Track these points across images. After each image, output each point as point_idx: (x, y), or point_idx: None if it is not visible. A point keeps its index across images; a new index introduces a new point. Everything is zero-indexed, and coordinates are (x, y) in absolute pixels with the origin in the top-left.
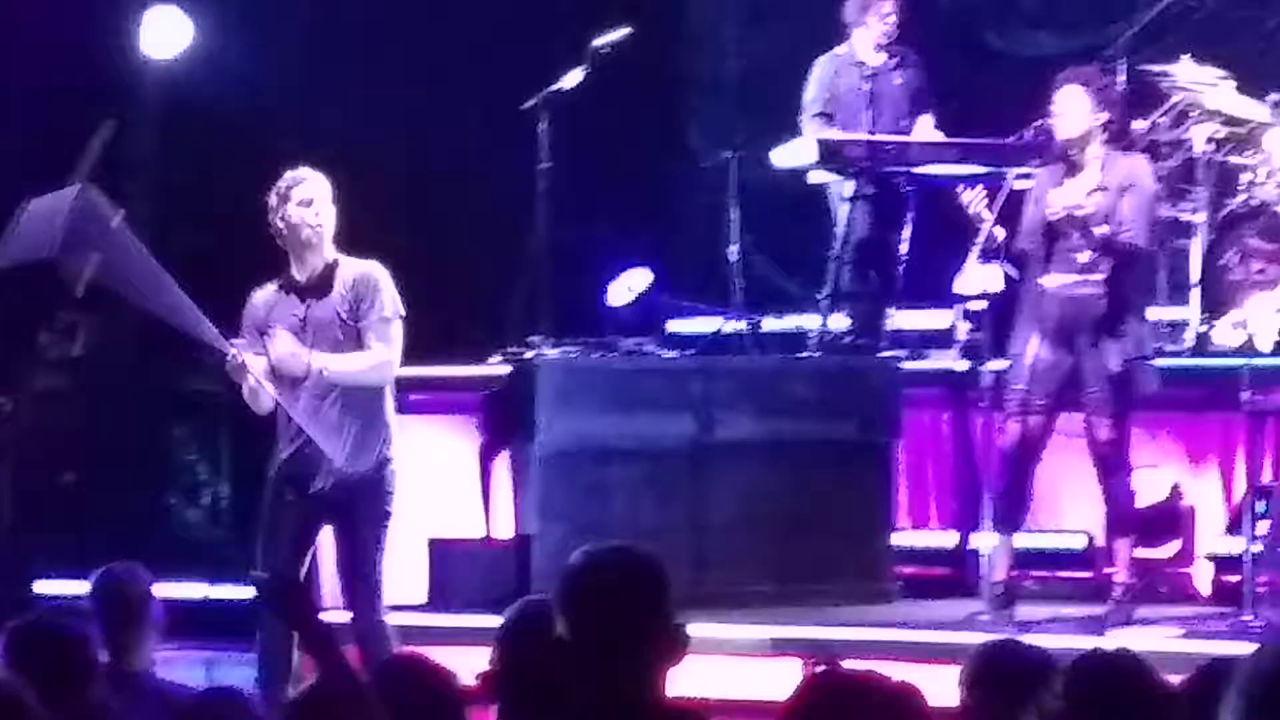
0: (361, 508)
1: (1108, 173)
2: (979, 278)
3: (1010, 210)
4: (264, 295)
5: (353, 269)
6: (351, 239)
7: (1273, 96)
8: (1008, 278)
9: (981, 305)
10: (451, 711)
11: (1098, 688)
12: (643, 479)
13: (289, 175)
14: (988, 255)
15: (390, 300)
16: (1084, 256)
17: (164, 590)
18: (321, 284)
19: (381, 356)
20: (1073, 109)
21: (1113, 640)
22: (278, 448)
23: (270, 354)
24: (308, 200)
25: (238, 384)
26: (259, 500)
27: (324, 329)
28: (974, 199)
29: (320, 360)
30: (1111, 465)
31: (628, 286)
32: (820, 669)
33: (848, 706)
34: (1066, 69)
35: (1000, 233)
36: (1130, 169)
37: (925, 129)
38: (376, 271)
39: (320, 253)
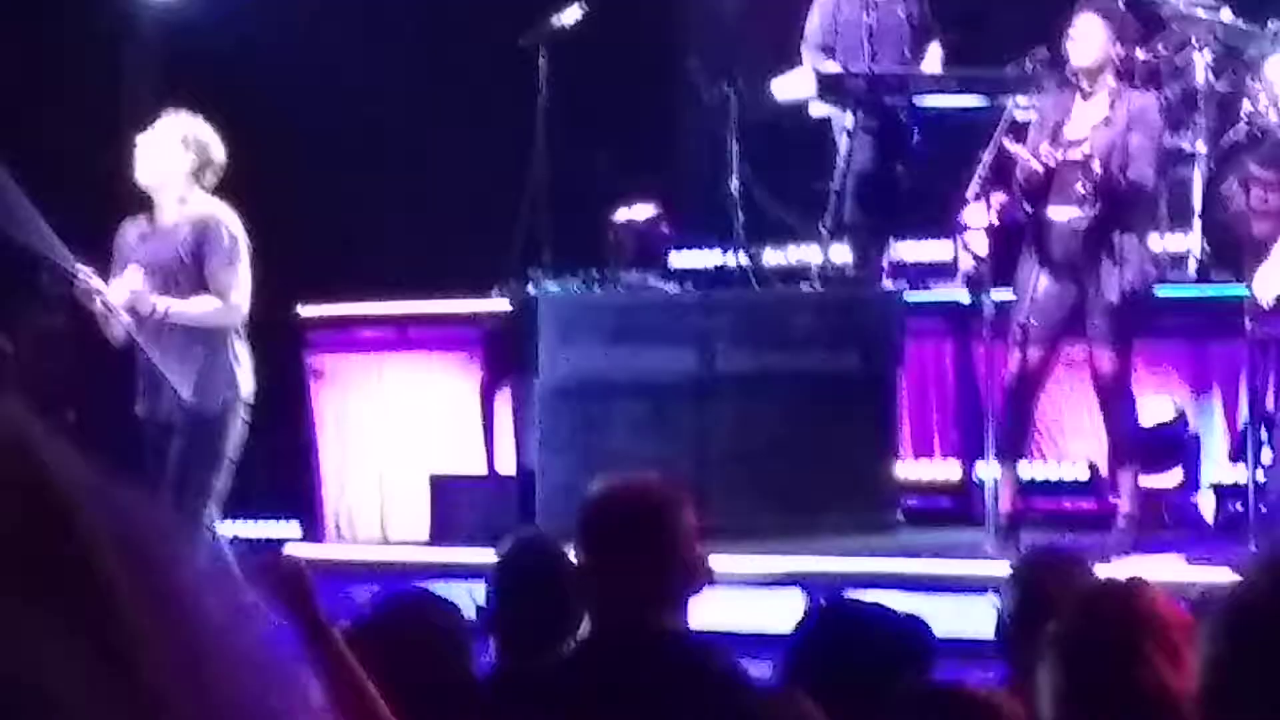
0: (197, 447)
1: (1116, 108)
2: (980, 208)
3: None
4: (134, 228)
5: (199, 211)
6: (352, 176)
7: (1272, 25)
8: (1010, 208)
9: (982, 239)
10: (455, 646)
11: (1109, 617)
12: (644, 413)
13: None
14: (988, 186)
15: (232, 243)
16: (1084, 189)
17: None
18: (170, 225)
19: (221, 302)
20: (1089, 37)
21: (1117, 569)
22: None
23: (115, 291)
24: (146, 147)
25: (88, 311)
26: (259, 434)
27: (166, 269)
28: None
29: (163, 303)
30: (1114, 395)
31: (627, 218)
32: (826, 601)
33: (854, 638)
34: None
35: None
36: (1140, 106)
37: (934, 59)
38: (221, 214)
39: (169, 194)
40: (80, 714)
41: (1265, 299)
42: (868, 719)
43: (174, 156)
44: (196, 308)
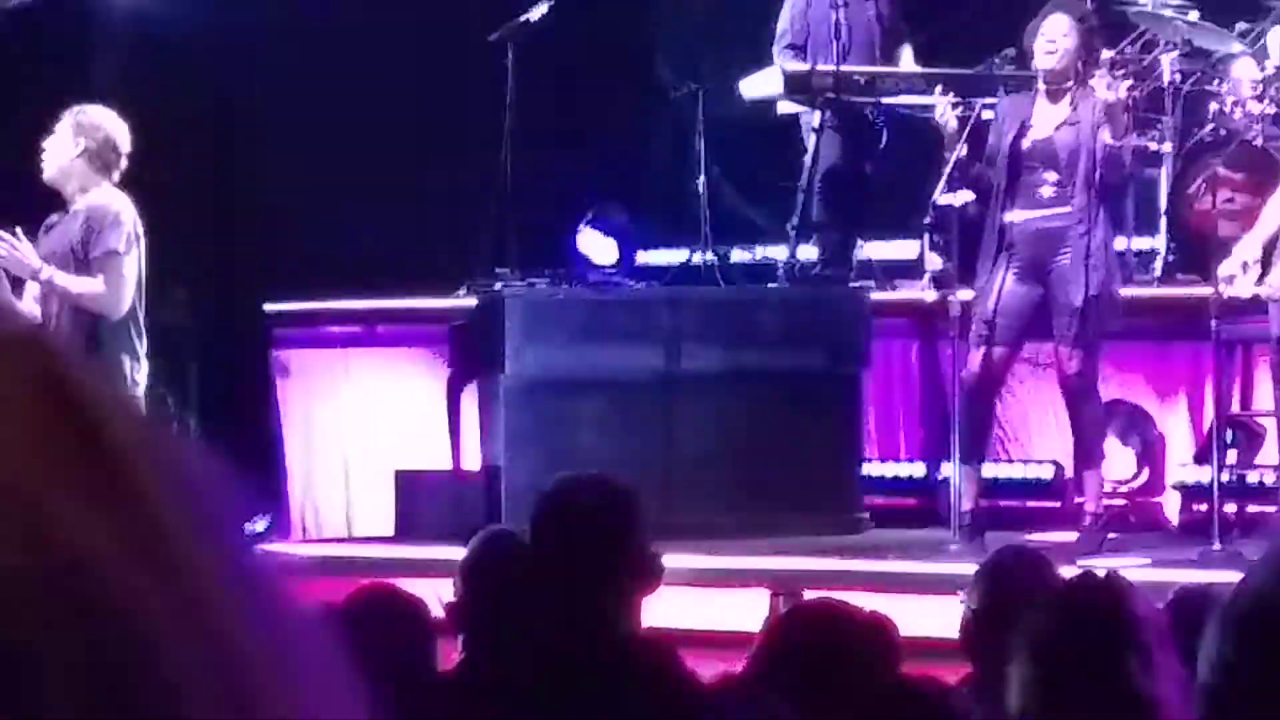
0: None
1: (1080, 108)
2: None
3: (977, 140)
4: (48, 223)
5: (95, 201)
6: (317, 172)
7: (1240, 25)
8: (973, 206)
9: (947, 238)
10: (421, 641)
11: (1082, 610)
12: (611, 410)
13: None
14: (954, 183)
15: (118, 233)
16: (1049, 191)
17: None
18: (70, 215)
19: (100, 288)
20: (1058, 39)
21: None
22: None
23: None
24: (47, 144)
25: None
26: (225, 431)
27: (60, 257)
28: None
29: (47, 270)
30: (1080, 396)
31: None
32: (793, 602)
33: (821, 638)
34: None
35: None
36: (1103, 98)
37: (907, 60)
38: (116, 204)
39: (70, 187)
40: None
41: (1227, 287)
42: (834, 716)
43: (66, 147)
44: (77, 285)
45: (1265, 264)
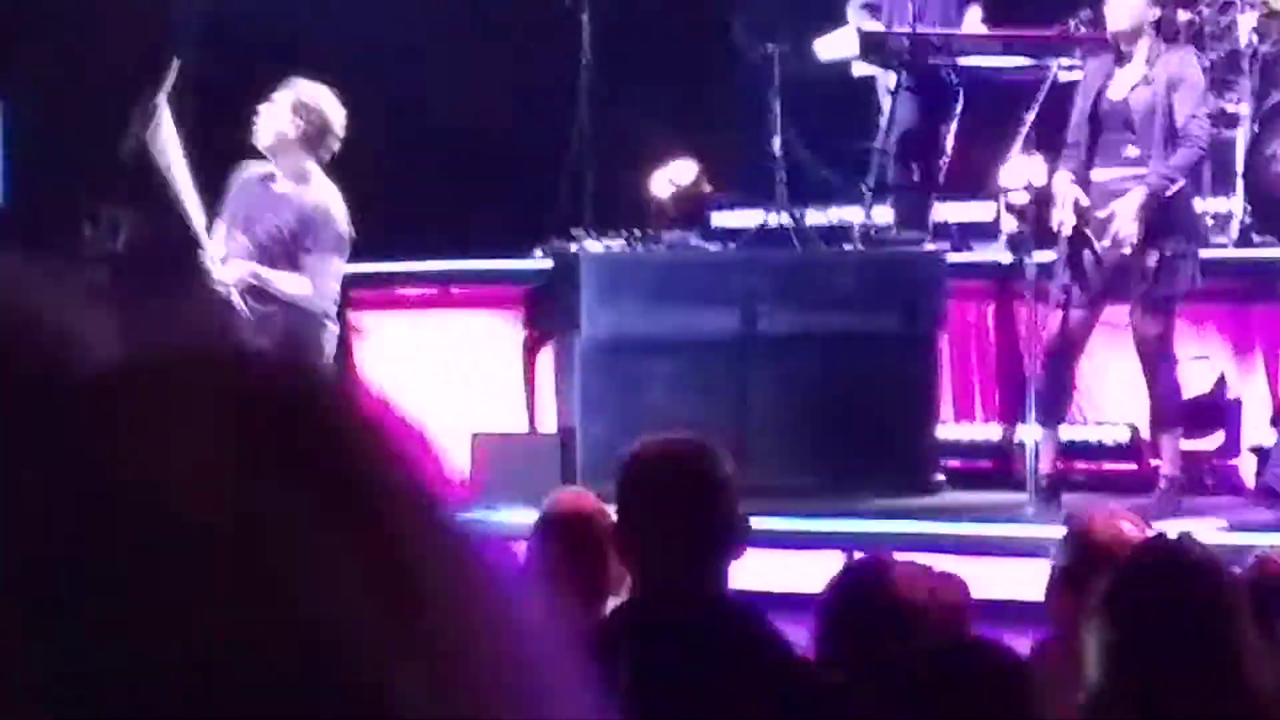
0: None
1: (1154, 67)
2: (1023, 169)
3: (1054, 103)
4: (248, 175)
5: (311, 195)
6: (394, 135)
7: None
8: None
9: (1024, 198)
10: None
11: (1160, 574)
12: (685, 372)
13: None
14: (1030, 148)
15: (331, 235)
16: (1129, 151)
17: None
18: (280, 195)
19: (307, 289)
20: (1126, 1)
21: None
22: None
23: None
24: (263, 112)
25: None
26: None
27: (264, 236)
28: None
29: (258, 268)
30: (1156, 358)
31: (669, 178)
32: (858, 556)
33: (885, 594)
34: None
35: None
36: (1179, 64)
37: (973, 22)
38: (330, 202)
39: (283, 161)
40: (377, 667)
41: None
42: (890, 675)
43: (283, 124)
44: (285, 284)
45: None
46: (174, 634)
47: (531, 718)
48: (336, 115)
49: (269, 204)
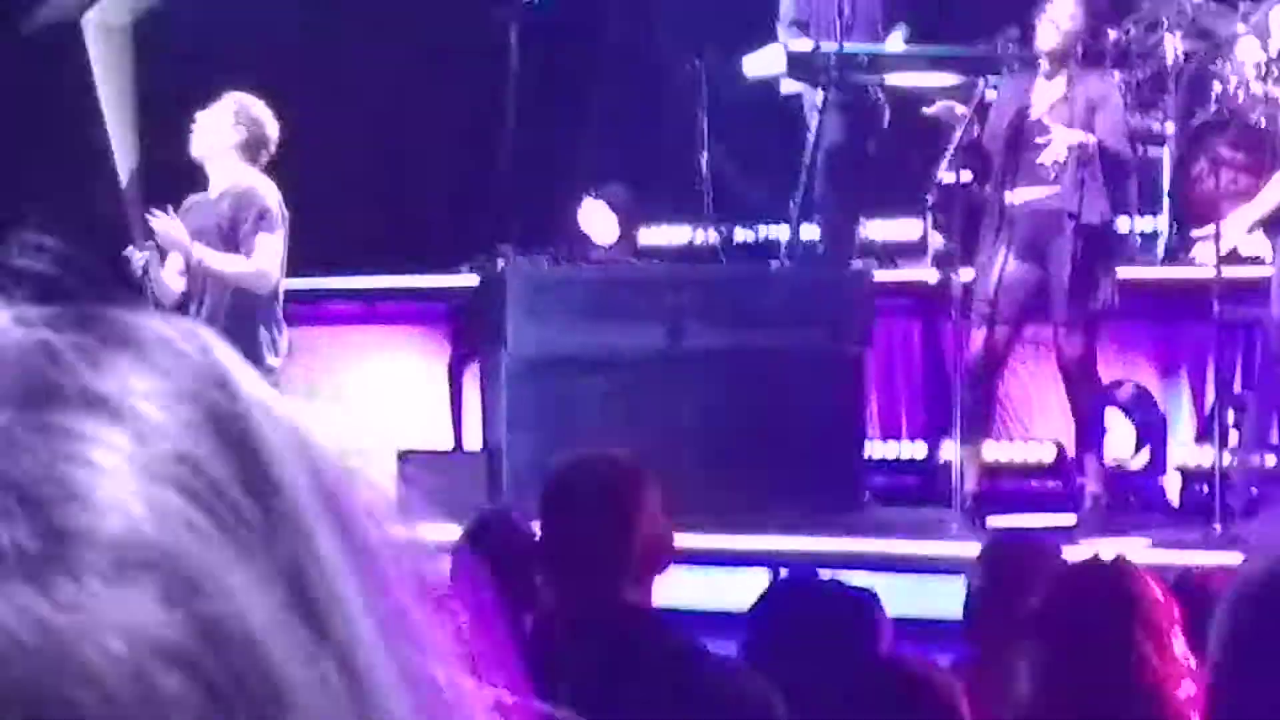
0: None
1: (1074, 87)
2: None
3: (981, 119)
4: (188, 202)
5: (240, 182)
6: (320, 150)
7: (1244, 6)
8: (974, 185)
9: (950, 218)
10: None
11: (1092, 593)
12: (612, 389)
13: None
14: (956, 163)
15: (265, 212)
16: (1047, 170)
17: None
18: (215, 197)
19: (250, 267)
20: (1061, 20)
21: (1084, 550)
22: None
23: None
24: (201, 121)
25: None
26: None
27: (207, 236)
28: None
29: (199, 251)
30: (1081, 376)
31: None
32: (782, 577)
33: (807, 611)
34: None
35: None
36: (1099, 87)
37: (895, 43)
38: (261, 186)
39: (217, 167)
40: (293, 679)
41: (1230, 242)
42: (821, 692)
43: (223, 131)
44: (227, 264)
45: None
46: None
47: None
48: (273, 127)
49: (203, 212)
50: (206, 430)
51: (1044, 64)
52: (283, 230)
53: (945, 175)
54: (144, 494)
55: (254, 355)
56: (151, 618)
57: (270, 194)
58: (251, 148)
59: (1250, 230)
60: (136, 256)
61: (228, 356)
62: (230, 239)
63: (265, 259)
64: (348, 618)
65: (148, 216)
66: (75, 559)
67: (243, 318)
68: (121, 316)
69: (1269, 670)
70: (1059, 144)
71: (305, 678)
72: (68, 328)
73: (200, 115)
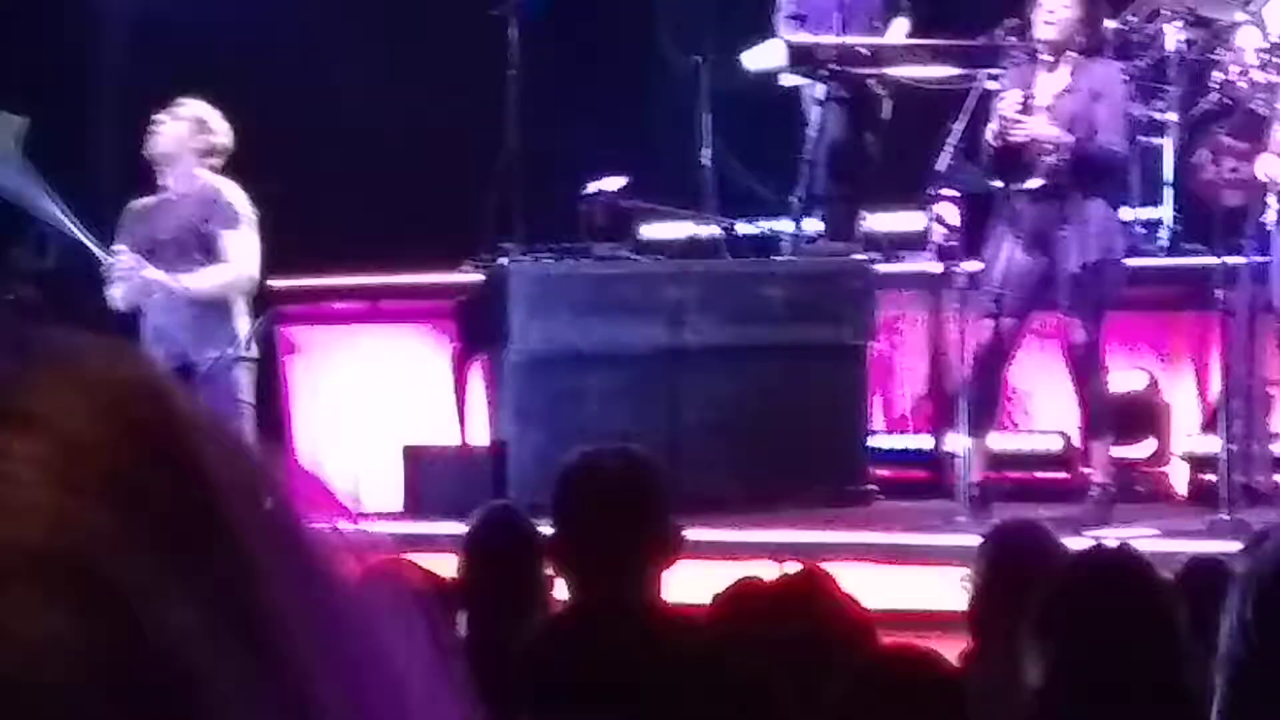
0: (216, 399)
1: (1079, 77)
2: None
3: (980, 111)
4: (138, 207)
5: (203, 184)
6: (323, 148)
7: None
8: (977, 177)
9: (953, 210)
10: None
11: (1100, 583)
12: (617, 384)
13: None
14: (959, 158)
15: (236, 212)
16: (1051, 160)
17: None
18: (176, 198)
19: (230, 274)
20: (1059, 12)
21: (1090, 540)
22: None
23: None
24: (163, 123)
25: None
26: None
27: (174, 240)
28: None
29: (186, 280)
30: (1086, 366)
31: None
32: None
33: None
34: None
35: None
36: (1103, 75)
37: (898, 33)
38: (223, 184)
39: (178, 168)
40: (218, 690)
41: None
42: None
43: (182, 136)
44: (211, 279)
45: None
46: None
47: None
48: (229, 137)
49: (166, 214)
50: (133, 444)
51: (1046, 55)
52: (254, 227)
53: (946, 167)
54: (62, 505)
55: (223, 341)
56: (68, 626)
57: (235, 194)
58: (210, 155)
59: None
60: (125, 260)
61: (160, 373)
62: (203, 241)
63: (243, 260)
64: (284, 630)
65: (116, 265)
66: None
67: (225, 312)
68: (48, 336)
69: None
70: (1032, 129)
71: (231, 690)
72: None
73: (159, 118)
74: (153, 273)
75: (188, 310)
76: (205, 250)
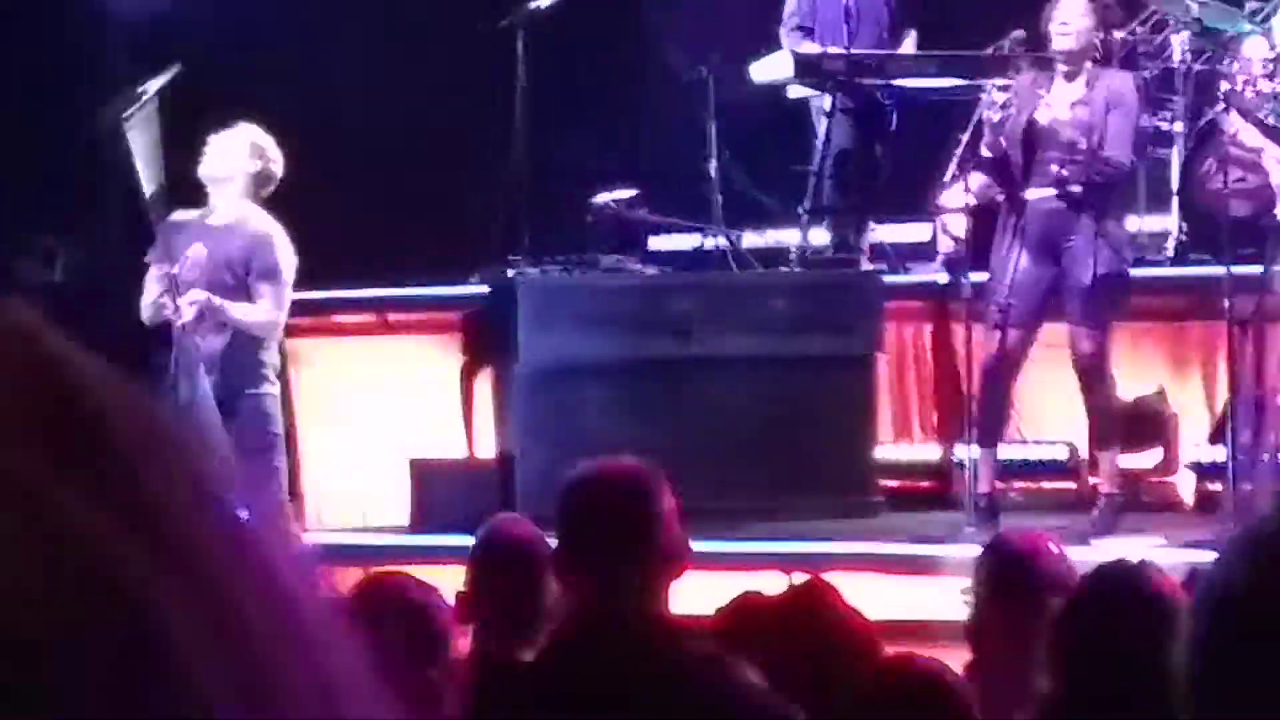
0: (248, 430)
1: (1094, 88)
2: (959, 191)
3: (990, 122)
4: (183, 220)
5: (255, 225)
6: (328, 161)
7: (1250, 4)
8: (987, 189)
9: (960, 221)
10: (434, 637)
11: (1117, 596)
12: (623, 397)
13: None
14: (965, 168)
15: (280, 263)
16: (1064, 170)
17: None
18: (223, 227)
19: (262, 316)
20: (1075, 22)
21: (1096, 550)
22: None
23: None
24: (218, 144)
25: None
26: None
27: (215, 269)
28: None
29: (218, 299)
30: (1094, 376)
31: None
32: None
33: (768, 622)
34: None
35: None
36: (1118, 87)
37: (908, 47)
38: (274, 230)
39: (228, 193)
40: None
41: None
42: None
43: (240, 159)
44: (243, 313)
45: None
46: None
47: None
48: (281, 165)
49: (210, 239)
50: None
51: (1062, 65)
52: (291, 279)
53: (954, 178)
54: None
55: (256, 379)
56: None
57: (284, 244)
58: (261, 182)
59: None
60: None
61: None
62: (240, 282)
63: (276, 309)
64: (184, 535)
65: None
66: None
67: (246, 344)
68: None
69: (1234, 680)
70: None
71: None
72: None
73: (214, 138)
74: (214, 300)
75: (215, 338)
76: (236, 290)
